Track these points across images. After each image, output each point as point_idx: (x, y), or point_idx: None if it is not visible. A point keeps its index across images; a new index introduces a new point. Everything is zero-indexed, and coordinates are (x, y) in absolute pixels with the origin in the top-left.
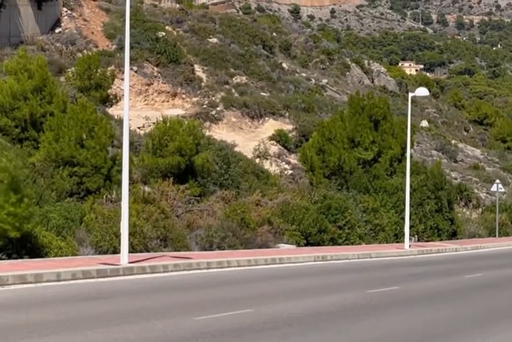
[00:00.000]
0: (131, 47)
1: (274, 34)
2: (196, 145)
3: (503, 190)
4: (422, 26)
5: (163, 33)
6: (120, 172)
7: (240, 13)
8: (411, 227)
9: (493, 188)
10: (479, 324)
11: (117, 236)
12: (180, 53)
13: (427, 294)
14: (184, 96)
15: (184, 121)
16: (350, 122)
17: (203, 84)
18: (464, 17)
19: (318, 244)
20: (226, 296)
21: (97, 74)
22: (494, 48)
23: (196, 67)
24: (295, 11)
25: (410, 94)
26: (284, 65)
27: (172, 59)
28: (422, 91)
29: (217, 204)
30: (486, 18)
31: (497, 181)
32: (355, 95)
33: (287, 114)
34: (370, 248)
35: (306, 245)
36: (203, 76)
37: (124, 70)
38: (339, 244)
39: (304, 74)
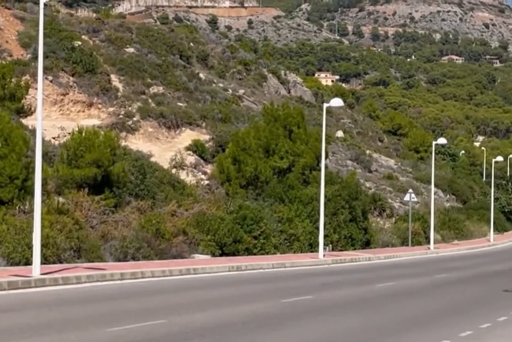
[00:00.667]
0: (46, 57)
1: (192, 44)
2: (112, 156)
3: (415, 199)
4: (338, 38)
5: (79, 43)
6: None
7: (158, 23)
8: (325, 236)
9: (406, 198)
10: (391, 333)
11: (30, 247)
12: (96, 63)
13: (340, 303)
14: (100, 106)
15: (100, 131)
16: (265, 132)
17: (119, 94)
18: (379, 28)
19: (233, 254)
20: (139, 307)
21: (11, 84)
22: (408, 60)
23: (113, 77)
24: (213, 22)
25: (325, 105)
26: (201, 75)
27: (88, 69)
28: (336, 102)
29: (132, 214)
30: (400, 30)
31: (410, 190)
32: (269, 105)
33: (204, 124)
34: (284, 258)
35: (221, 255)
36: (120, 86)
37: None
38: (254, 254)
39: (221, 85)
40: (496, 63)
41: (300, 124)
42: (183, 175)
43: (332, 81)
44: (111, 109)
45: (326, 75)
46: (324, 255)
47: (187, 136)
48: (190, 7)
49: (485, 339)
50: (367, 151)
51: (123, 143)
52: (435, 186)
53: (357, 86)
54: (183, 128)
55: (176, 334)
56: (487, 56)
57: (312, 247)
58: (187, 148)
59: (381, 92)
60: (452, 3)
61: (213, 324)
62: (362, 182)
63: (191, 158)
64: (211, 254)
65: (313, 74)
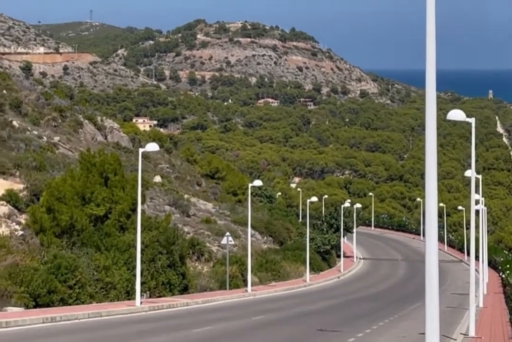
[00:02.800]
0: None
1: (5, 91)
2: None
3: (233, 242)
4: (155, 82)
5: None
6: None
7: None
8: (142, 283)
9: (224, 241)
10: None
11: None
12: None
13: None
14: None
15: None
16: (81, 179)
17: None
18: (196, 73)
19: (48, 305)
20: None
21: None
22: (225, 103)
23: None
24: (27, 68)
25: (141, 150)
26: (14, 123)
27: None
28: (152, 146)
29: None
30: (217, 74)
31: (227, 233)
32: (86, 152)
33: (17, 173)
34: (101, 307)
35: (35, 306)
36: None
37: None
38: (70, 304)
39: (35, 132)
40: (310, 105)
41: (117, 171)
42: None
43: (150, 126)
44: None
45: (144, 121)
46: (141, 302)
47: (0, 185)
48: (3, 53)
49: None
50: (185, 196)
51: None
52: (253, 228)
53: (175, 130)
54: None
55: None
56: (301, 99)
57: (129, 294)
58: (0, 198)
59: (199, 136)
60: (267, 47)
61: None
62: (180, 227)
63: (4, 209)
64: (25, 306)
65: (131, 120)
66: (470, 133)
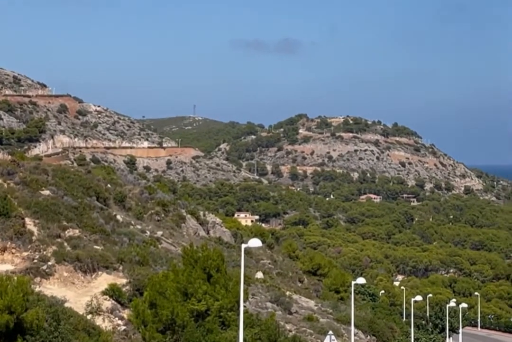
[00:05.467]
0: None
1: (109, 185)
2: (25, 301)
3: (336, 341)
4: (257, 177)
5: None
6: None
7: (75, 164)
8: None
9: (327, 340)
10: None
11: None
12: (10, 206)
13: None
14: (14, 250)
15: (14, 277)
16: (183, 275)
17: (34, 237)
18: (298, 168)
19: None
20: None
21: None
22: (327, 199)
23: (27, 220)
24: (131, 162)
25: (243, 245)
26: (118, 217)
27: (2, 213)
28: (255, 242)
29: None
30: (319, 169)
31: (330, 332)
32: (188, 247)
33: (121, 268)
34: None
35: None
36: (34, 229)
37: None
38: None
39: (139, 226)
40: (414, 201)
41: (220, 267)
42: (99, 321)
43: (252, 221)
44: (25, 253)
45: (245, 215)
46: None
47: (104, 280)
48: (108, 148)
49: None
50: (287, 293)
51: (37, 288)
52: (355, 327)
53: (277, 226)
54: (100, 272)
55: None
56: (404, 195)
57: None
58: (104, 293)
59: (301, 231)
60: (369, 142)
61: None
62: (282, 324)
63: (107, 303)
64: None
65: (233, 215)
66: None
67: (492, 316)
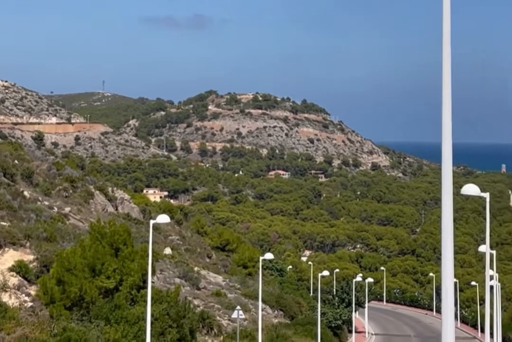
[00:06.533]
0: None
1: (16, 161)
2: None
3: (243, 316)
4: (166, 153)
5: None
6: None
7: None
8: None
9: (234, 315)
10: None
11: None
12: None
13: None
14: None
15: None
16: (90, 251)
17: None
18: (207, 144)
19: None
20: None
21: None
22: (236, 175)
23: None
24: (39, 138)
25: (152, 221)
26: (25, 193)
27: None
28: (163, 218)
29: None
30: (228, 145)
31: (238, 307)
32: (95, 223)
33: (28, 244)
34: None
35: None
36: None
37: None
38: None
39: (46, 203)
40: (322, 177)
41: (127, 242)
42: (5, 297)
43: (161, 197)
44: None
45: (154, 192)
46: None
47: (10, 256)
48: (16, 123)
49: None
50: (195, 268)
51: None
52: (263, 302)
53: (186, 202)
54: (6, 249)
55: None
56: (313, 171)
57: None
58: (10, 269)
59: (210, 207)
60: (278, 119)
61: None
62: (190, 300)
63: (14, 280)
64: None
65: (141, 191)
66: (484, 207)
67: (398, 291)
